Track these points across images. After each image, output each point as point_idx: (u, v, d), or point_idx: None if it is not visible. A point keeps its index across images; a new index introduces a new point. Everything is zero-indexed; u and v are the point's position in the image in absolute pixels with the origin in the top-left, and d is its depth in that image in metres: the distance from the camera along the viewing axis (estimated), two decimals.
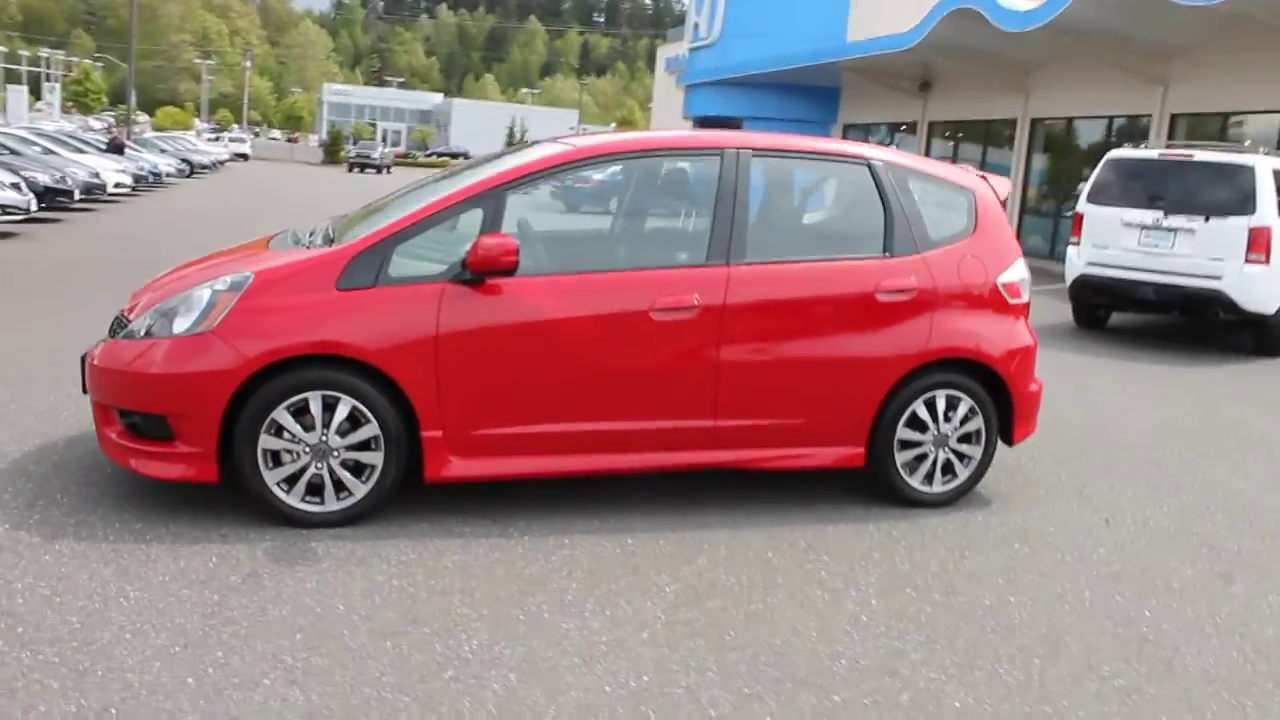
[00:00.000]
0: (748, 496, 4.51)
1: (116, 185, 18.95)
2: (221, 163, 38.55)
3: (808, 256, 4.33)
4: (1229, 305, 8.81)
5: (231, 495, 3.89)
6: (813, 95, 30.79)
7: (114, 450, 3.90)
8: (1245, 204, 8.72)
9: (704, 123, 35.39)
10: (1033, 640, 3.38)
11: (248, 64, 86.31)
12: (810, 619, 3.41)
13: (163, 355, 3.73)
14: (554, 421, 3.99)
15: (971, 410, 4.52)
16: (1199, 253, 8.87)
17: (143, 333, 3.85)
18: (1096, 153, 20.60)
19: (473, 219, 3.97)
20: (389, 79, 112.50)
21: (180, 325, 3.76)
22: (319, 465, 3.78)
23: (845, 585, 3.71)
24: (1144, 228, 9.22)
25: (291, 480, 3.78)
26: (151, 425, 3.78)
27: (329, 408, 3.74)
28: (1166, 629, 3.54)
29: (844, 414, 4.35)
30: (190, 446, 3.72)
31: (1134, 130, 19.36)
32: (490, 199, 3.95)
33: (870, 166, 4.49)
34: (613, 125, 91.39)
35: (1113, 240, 9.44)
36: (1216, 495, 5.08)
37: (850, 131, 31.14)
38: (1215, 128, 17.49)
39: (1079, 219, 9.85)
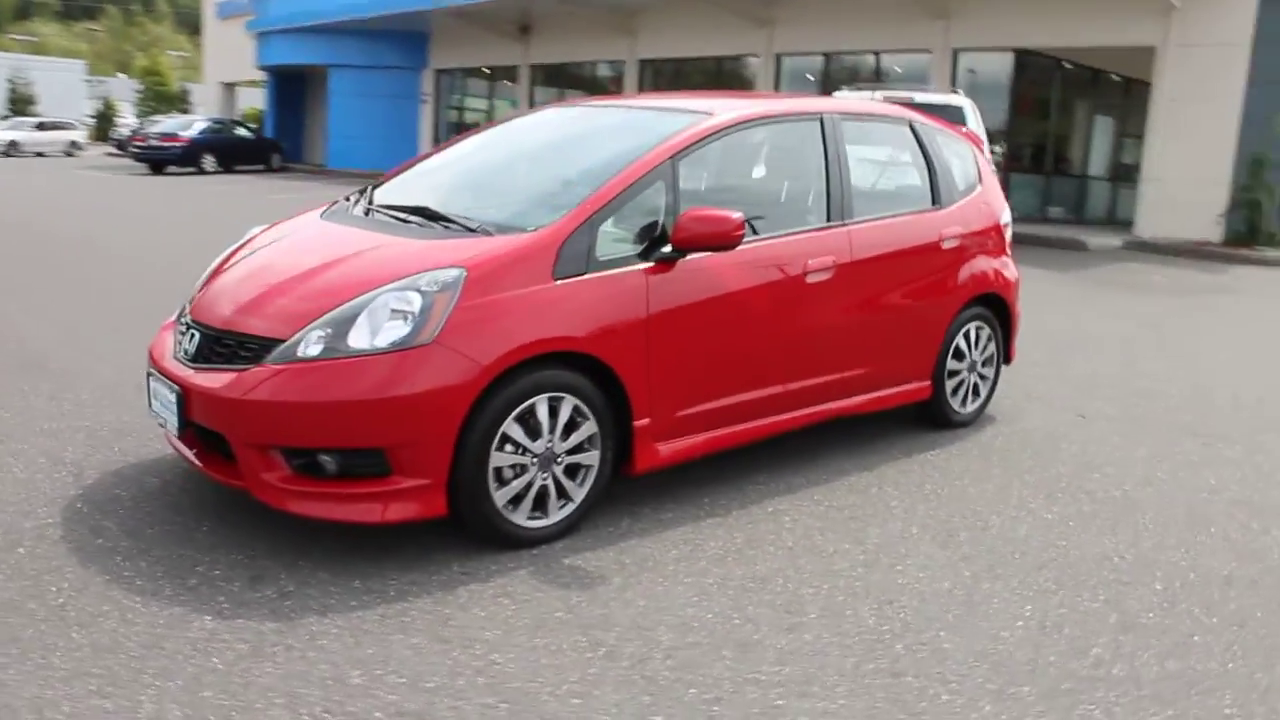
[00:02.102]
0: (818, 443, 4.72)
1: None
2: None
3: (887, 212, 4.61)
4: None
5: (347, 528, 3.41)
6: (400, 40, 30.09)
7: (279, 498, 3.21)
8: None
9: (280, 72, 33.08)
10: (1227, 510, 4.06)
11: None
12: (1065, 541, 3.71)
13: (374, 376, 3.12)
14: (735, 392, 3.94)
15: (989, 338, 5.12)
16: None
17: (314, 352, 3.20)
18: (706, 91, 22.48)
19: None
20: None
21: (378, 337, 3.16)
22: (544, 476, 3.44)
23: (1039, 506, 4.05)
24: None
25: (516, 498, 3.40)
26: (356, 462, 3.19)
27: (552, 411, 3.41)
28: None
29: (921, 353, 4.74)
30: (414, 480, 3.19)
31: (741, 70, 21.36)
32: (668, 170, 3.75)
33: (912, 126, 4.87)
34: (120, 75, 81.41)
35: None
36: (1140, 387, 6.12)
37: (443, 77, 30.87)
38: (819, 66, 19.89)
39: None
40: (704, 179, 3.92)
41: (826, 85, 20.13)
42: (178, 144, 25.17)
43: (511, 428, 3.31)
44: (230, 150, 26.61)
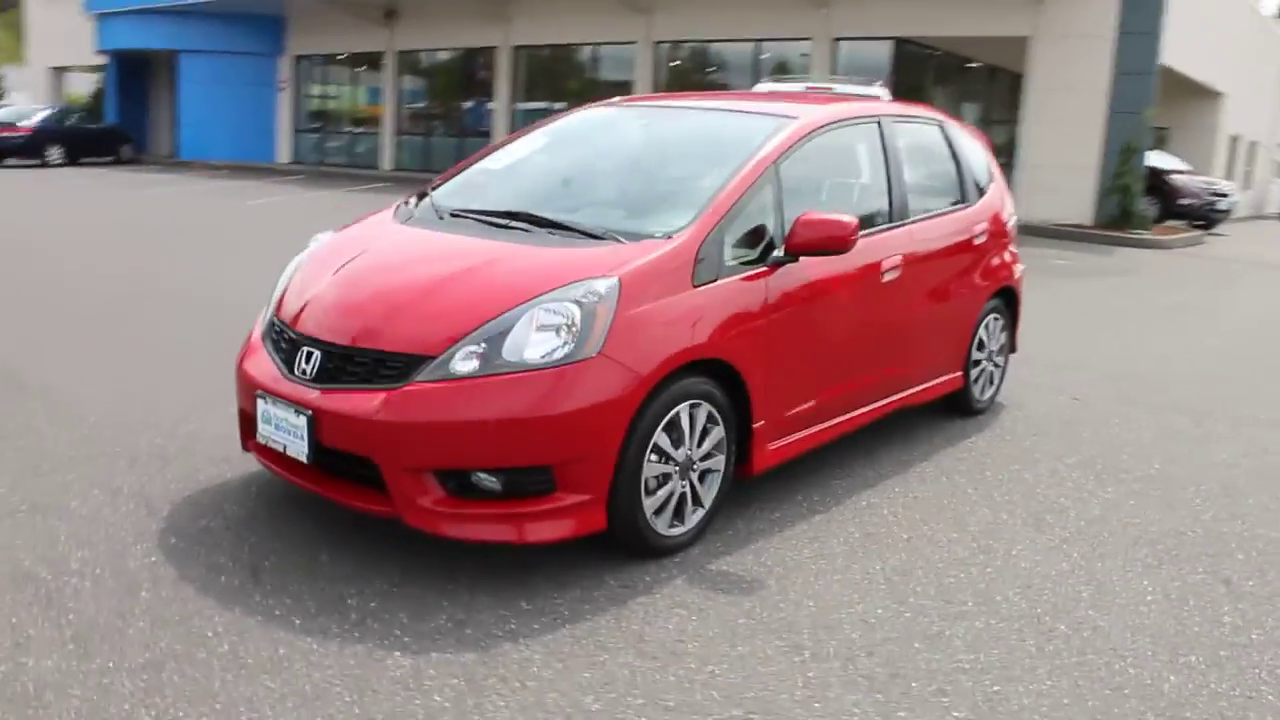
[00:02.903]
0: (859, 438, 4.89)
1: None
2: None
3: (929, 210, 4.81)
4: None
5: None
6: (255, 24, 28.79)
7: (434, 521, 3.13)
8: None
9: (122, 57, 31.10)
10: (1252, 482, 4.46)
11: None
12: (1137, 519, 4.02)
13: (540, 391, 3.07)
14: (829, 389, 4.06)
15: (1002, 328, 5.43)
16: None
17: (469, 368, 3.13)
18: (581, 80, 22.48)
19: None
20: None
21: (535, 350, 3.10)
22: (683, 484, 3.48)
23: (1095, 487, 4.37)
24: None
25: (660, 508, 3.42)
26: (521, 480, 3.14)
27: (690, 419, 3.45)
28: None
29: (959, 344, 4.99)
30: (577, 495, 3.17)
31: (621, 57, 21.40)
32: (774, 174, 3.81)
33: (941, 126, 5.09)
34: None
35: None
36: (1110, 370, 6.66)
37: (301, 63, 29.71)
38: (699, 55, 20.15)
39: None
40: (796, 182, 4.00)
41: (705, 74, 20.48)
42: (19, 134, 23.35)
43: (661, 437, 3.33)
44: (77, 141, 24.91)
